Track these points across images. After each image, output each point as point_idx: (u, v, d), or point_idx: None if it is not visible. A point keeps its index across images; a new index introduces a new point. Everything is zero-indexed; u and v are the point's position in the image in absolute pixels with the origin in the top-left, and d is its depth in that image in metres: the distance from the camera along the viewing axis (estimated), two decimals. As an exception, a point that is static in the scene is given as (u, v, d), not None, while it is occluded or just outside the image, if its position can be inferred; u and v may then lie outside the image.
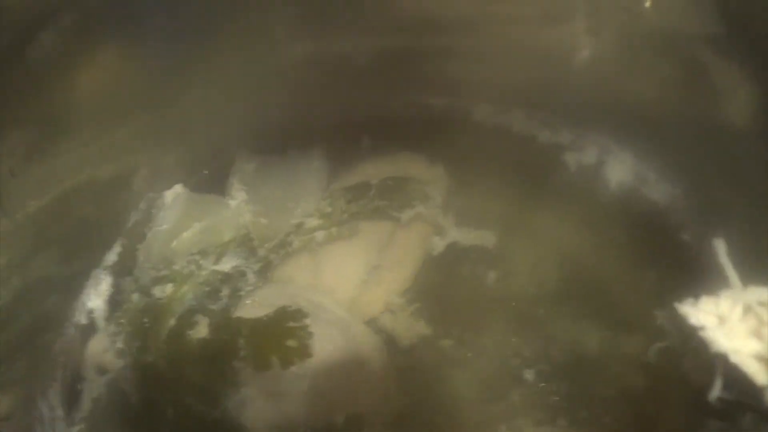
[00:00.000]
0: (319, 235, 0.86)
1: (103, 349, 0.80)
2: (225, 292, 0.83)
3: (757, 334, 0.56)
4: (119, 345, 0.80)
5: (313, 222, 0.87)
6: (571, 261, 0.85)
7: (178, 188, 0.90)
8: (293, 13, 0.84)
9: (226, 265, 0.85)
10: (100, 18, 0.74)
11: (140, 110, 0.83)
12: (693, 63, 0.76)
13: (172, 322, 0.80)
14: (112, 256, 0.86)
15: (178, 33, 0.82)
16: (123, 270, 0.86)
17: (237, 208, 0.88)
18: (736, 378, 0.58)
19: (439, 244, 0.87)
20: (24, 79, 0.69)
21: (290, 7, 0.83)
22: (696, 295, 0.60)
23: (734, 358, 0.56)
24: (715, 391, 0.59)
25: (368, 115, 0.94)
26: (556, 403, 0.75)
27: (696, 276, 0.77)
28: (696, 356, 0.73)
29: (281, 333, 0.76)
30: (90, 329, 0.82)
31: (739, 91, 0.72)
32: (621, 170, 0.90)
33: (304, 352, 0.74)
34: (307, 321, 0.77)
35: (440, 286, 0.84)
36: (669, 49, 0.77)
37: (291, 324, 0.77)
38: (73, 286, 0.83)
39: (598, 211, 0.88)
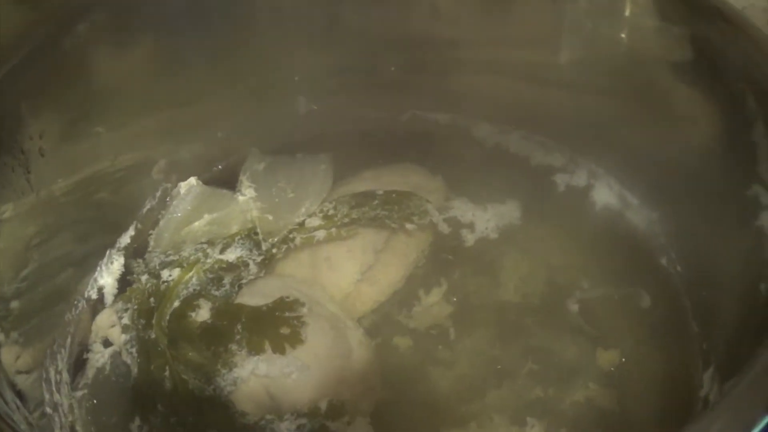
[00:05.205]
0: (320, 234, 0.87)
1: (110, 324, 0.83)
2: (227, 279, 0.85)
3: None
4: (125, 321, 0.82)
5: (315, 222, 0.88)
6: (556, 276, 0.87)
7: (193, 180, 0.92)
8: (308, 30, 0.88)
9: (231, 255, 0.87)
10: (132, 15, 0.78)
11: (165, 104, 0.87)
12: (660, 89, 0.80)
13: (176, 303, 0.82)
14: (125, 239, 0.89)
15: (207, 37, 0.86)
16: (135, 252, 0.89)
17: (245, 203, 0.90)
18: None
19: (430, 250, 0.90)
20: (59, 67, 0.74)
21: (304, 24, 0.88)
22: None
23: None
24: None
25: (376, 125, 0.98)
26: (529, 406, 0.77)
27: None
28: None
29: (277, 321, 0.78)
30: (99, 304, 0.85)
31: (702, 118, 0.76)
32: (607, 194, 0.93)
33: (295, 340, 0.77)
34: (302, 312, 0.79)
35: (429, 289, 0.87)
36: (640, 75, 0.81)
37: (287, 314, 0.79)
38: (87, 263, 0.86)
39: (584, 231, 0.90)
